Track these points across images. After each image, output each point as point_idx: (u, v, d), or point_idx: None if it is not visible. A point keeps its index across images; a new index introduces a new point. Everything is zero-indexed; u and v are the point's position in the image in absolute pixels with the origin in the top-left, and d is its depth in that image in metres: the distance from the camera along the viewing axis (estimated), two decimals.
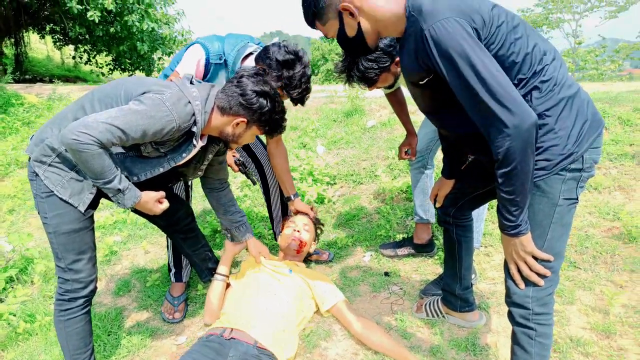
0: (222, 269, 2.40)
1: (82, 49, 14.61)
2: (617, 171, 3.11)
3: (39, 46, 19.58)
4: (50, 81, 12.88)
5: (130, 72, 14.59)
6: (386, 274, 2.68)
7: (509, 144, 1.26)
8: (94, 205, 1.85)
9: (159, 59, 14.57)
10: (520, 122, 1.24)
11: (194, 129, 1.75)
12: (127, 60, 14.14)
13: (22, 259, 3.00)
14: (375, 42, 1.54)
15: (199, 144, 1.86)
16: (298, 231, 2.54)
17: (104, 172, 1.58)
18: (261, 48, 2.26)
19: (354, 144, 4.31)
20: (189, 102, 1.70)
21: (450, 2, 1.31)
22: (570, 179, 1.39)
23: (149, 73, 14.51)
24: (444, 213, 2.03)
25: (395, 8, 1.41)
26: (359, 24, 1.45)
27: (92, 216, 1.88)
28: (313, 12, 1.50)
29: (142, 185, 1.81)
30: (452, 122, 1.58)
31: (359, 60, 1.97)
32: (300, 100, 2.20)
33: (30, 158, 1.77)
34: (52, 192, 1.74)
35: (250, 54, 2.29)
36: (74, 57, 15.64)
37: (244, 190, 3.75)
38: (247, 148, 2.74)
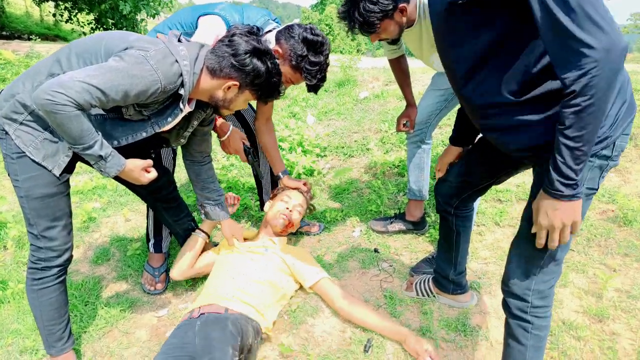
0: (204, 227, 2.35)
1: (62, 6, 14.02)
2: None
3: (17, 1, 18.73)
4: (29, 39, 12.36)
5: None
6: (376, 250, 2.61)
7: (593, 71, 1.01)
8: (69, 169, 1.72)
9: (142, 20, 14.07)
10: (611, 45, 0.99)
11: (181, 91, 1.60)
12: (109, 20, 13.63)
13: None
14: None
15: (186, 108, 1.72)
16: (290, 210, 2.41)
17: (82, 136, 1.44)
18: (280, 27, 2.12)
19: (346, 115, 4.19)
20: (176, 61, 1.55)
21: None
22: (596, 167, 1.27)
23: None
24: (445, 202, 1.89)
25: None
26: None
27: (67, 180, 1.75)
28: None
29: (123, 151, 1.68)
30: (492, 84, 1.28)
31: (360, 2, 1.82)
32: (317, 87, 2.08)
33: None
34: (24, 153, 1.61)
35: (269, 31, 2.14)
36: (54, 15, 15.00)
37: (230, 159, 3.61)
38: (237, 113, 2.60)
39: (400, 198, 3.01)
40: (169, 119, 1.70)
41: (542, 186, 1.20)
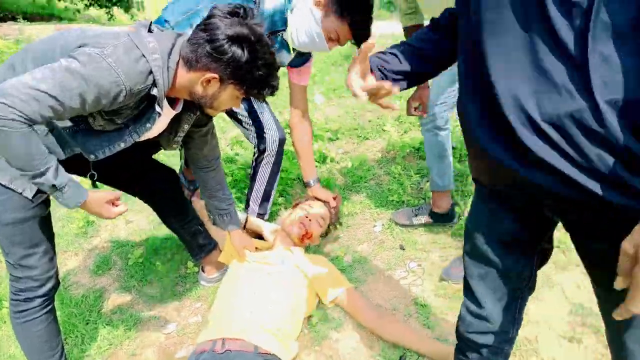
0: None
1: None
2: None
3: None
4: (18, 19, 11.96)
5: (108, 9, 13.68)
6: (401, 247, 2.37)
7: None
8: None
9: None
10: None
11: (154, 91, 1.32)
12: None
13: None
14: None
15: (170, 111, 1.46)
16: (310, 219, 2.18)
17: (31, 160, 1.18)
18: None
19: None
20: (143, 56, 1.26)
21: None
22: None
23: (127, 10, 13.65)
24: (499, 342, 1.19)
25: None
26: None
27: (45, 201, 1.51)
28: None
29: (117, 157, 1.47)
30: None
31: None
32: (366, 32, 1.82)
33: None
34: None
35: None
36: None
37: (234, 148, 3.34)
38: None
39: (424, 185, 2.74)
40: (148, 125, 1.43)
41: None
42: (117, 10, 14.01)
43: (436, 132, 2.27)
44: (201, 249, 2.21)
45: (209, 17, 1.34)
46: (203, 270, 2.28)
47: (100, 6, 13.77)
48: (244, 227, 2.28)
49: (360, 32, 1.83)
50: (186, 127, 1.62)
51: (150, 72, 1.27)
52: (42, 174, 1.21)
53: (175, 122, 1.57)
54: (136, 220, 2.84)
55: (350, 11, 1.78)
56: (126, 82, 1.22)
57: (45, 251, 1.54)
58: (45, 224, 1.54)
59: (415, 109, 2.22)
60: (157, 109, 1.37)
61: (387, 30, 5.21)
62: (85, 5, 13.79)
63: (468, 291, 1.19)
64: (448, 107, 2.24)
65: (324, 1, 1.80)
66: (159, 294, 2.28)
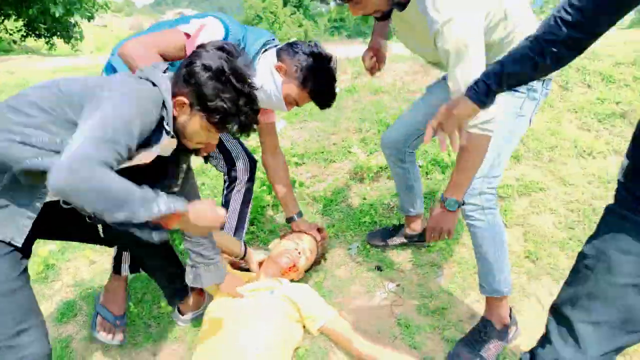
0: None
1: None
2: (608, 133, 2.92)
3: None
4: None
5: (47, 38, 13.22)
6: (378, 268, 2.37)
7: None
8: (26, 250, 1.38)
9: (75, 24, 13.33)
10: None
11: (162, 112, 1.35)
12: (41, 25, 12.77)
13: None
14: None
15: (172, 142, 1.45)
16: (299, 253, 2.17)
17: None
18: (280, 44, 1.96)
19: (319, 115, 3.87)
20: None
21: None
22: None
23: (67, 40, 13.25)
24: None
25: None
26: None
27: (25, 270, 1.40)
28: None
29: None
30: None
31: None
32: (329, 103, 1.92)
33: None
34: None
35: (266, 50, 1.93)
36: None
37: (200, 178, 3.26)
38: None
39: (395, 204, 2.77)
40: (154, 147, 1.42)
41: None
42: (57, 40, 13.57)
43: (399, 164, 2.27)
44: (177, 294, 2.09)
45: (199, 46, 1.37)
46: (179, 310, 2.19)
47: (38, 36, 13.27)
48: (243, 258, 2.21)
49: (321, 100, 1.88)
50: (184, 166, 1.62)
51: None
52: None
53: (175, 160, 1.57)
54: (100, 260, 2.69)
55: (314, 83, 1.81)
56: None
57: (37, 325, 1.35)
58: (31, 294, 1.39)
59: (372, 57, 2.07)
60: (166, 127, 1.36)
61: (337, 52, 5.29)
62: (22, 35, 13.23)
63: (569, 334, 1.05)
64: (411, 146, 2.20)
65: (285, 68, 1.81)
66: (131, 338, 2.16)
